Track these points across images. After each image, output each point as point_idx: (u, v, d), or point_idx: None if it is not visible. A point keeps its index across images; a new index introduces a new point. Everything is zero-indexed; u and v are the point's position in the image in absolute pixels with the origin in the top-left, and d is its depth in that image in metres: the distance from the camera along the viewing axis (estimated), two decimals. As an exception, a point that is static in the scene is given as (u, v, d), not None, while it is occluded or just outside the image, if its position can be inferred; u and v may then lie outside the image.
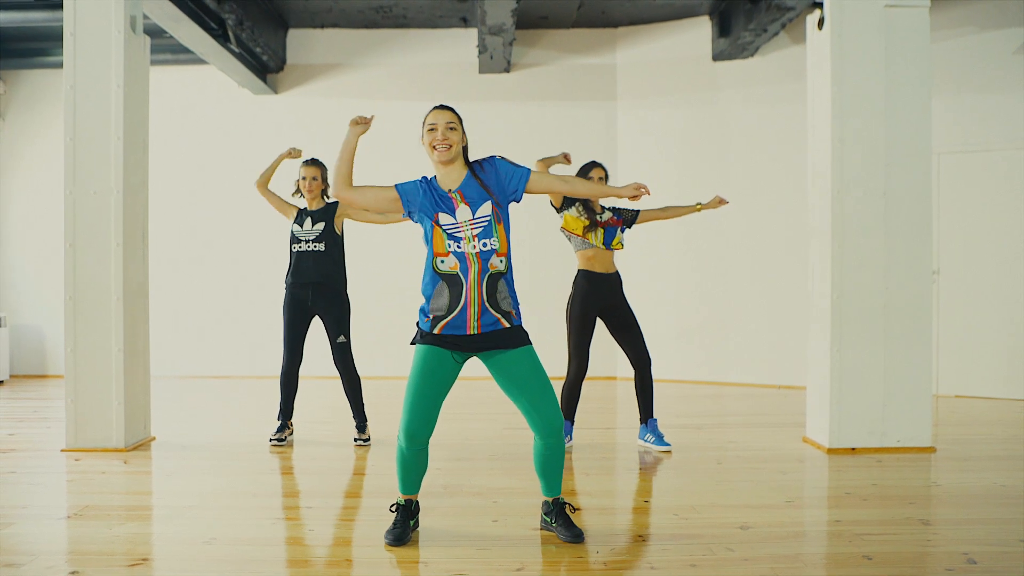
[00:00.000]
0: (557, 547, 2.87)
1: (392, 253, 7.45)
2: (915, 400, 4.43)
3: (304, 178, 4.65)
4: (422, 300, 2.94)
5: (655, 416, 4.75)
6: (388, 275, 7.45)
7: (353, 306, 4.83)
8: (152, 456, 4.40)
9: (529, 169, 2.93)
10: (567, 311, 4.49)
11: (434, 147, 2.86)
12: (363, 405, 4.71)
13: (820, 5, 4.59)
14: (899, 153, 4.43)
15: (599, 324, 4.54)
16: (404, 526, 2.93)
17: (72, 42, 4.48)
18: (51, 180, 7.60)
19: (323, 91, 7.80)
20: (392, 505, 3.01)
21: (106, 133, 4.49)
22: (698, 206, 4.43)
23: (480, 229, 2.81)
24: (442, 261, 2.82)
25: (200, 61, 7.33)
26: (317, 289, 4.59)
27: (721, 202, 4.40)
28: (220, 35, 6.35)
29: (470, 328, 2.83)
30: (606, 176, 4.47)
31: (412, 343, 2.93)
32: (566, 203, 4.46)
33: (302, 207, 4.74)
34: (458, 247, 2.80)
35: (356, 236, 4.94)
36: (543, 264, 7.40)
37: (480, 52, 7.12)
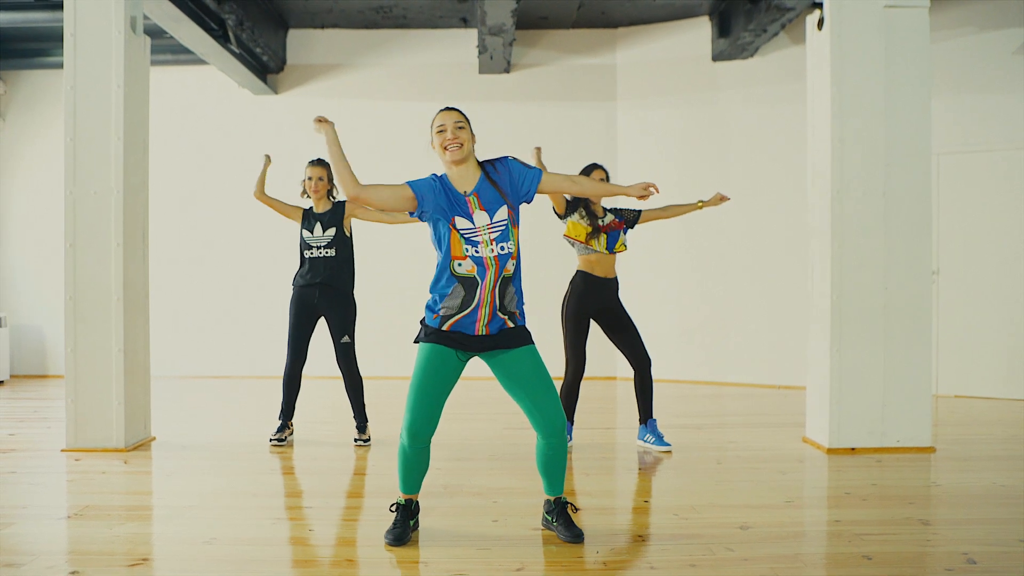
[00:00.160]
0: (557, 547, 2.87)
1: (393, 254, 7.45)
2: (915, 400, 4.43)
3: (310, 178, 4.64)
4: (423, 300, 2.95)
5: (654, 416, 4.76)
6: (389, 276, 7.45)
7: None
8: (152, 456, 4.41)
9: (540, 170, 2.95)
10: (562, 310, 4.49)
11: (445, 148, 2.86)
12: (364, 405, 4.71)
13: (820, 5, 4.59)
14: (899, 153, 4.44)
15: (594, 326, 4.55)
16: (404, 526, 2.94)
17: (72, 42, 4.48)
18: (51, 180, 7.61)
19: (323, 91, 7.81)
20: (392, 505, 3.02)
21: (106, 133, 4.49)
22: (700, 204, 4.42)
23: (498, 233, 2.83)
24: (459, 264, 2.81)
25: (200, 61, 7.33)
26: (324, 289, 4.59)
27: (723, 199, 4.39)
28: (220, 35, 6.35)
29: (478, 329, 2.85)
30: (607, 177, 4.48)
31: (416, 341, 2.94)
32: (569, 210, 4.45)
33: (307, 207, 4.72)
34: (476, 251, 2.80)
35: (357, 237, 4.94)
36: (543, 264, 7.40)
37: (480, 52, 7.12)
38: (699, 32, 7.43)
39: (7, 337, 7.51)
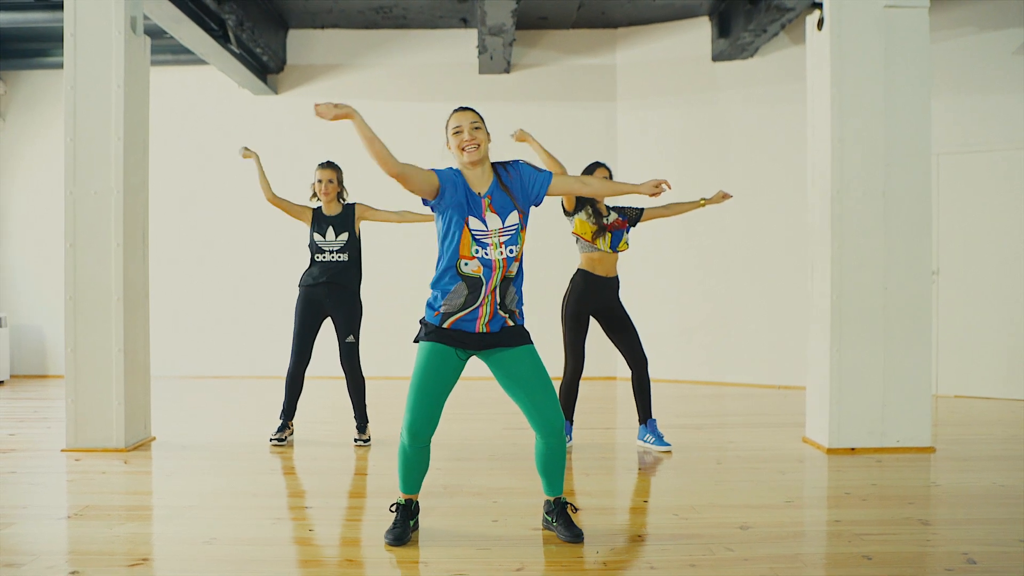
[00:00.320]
0: (557, 547, 2.88)
1: (394, 254, 7.46)
2: (915, 400, 4.43)
3: (320, 181, 4.63)
4: (424, 300, 2.95)
5: (654, 416, 4.76)
6: (391, 276, 7.46)
7: (355, 307, 4.83)
8: (152, 456, 4.41)
9: (550, 173, 2.95)
10: (562, 309, 4.49)
11: (463, 149, 2.86)
12: (365, 406, 4.71)
13: (820, 6, 4.59)
14: (899, 153, 4.44)
15: (594, 324, 4.55)
16: (404, 526, 2.94)
17: (72, 43, 4.48)
18: (51, 180, 7.61)
19: (323, 92, 7.80)
20: (392, 505, 3.02)
21: (106, 133, 4.49)
22: (702, 201, 4.41)
23: (508, 237, 2.84)
24: (466, 264, 2.82)
25: (200, 62, 7.33)
26: (332, 288, 4.59)
27: (724, 196, 4.39)
28: (220, 36, 6.35)
29: (479, 327, 2.85)
30: (610, 175, 4.47)
31: (416, 340, 2.94)
32: (577, 207, 4.45)
33: (316, 207, 4.70)
34: (484, 253, 2.81)
35: (362, 236, 4.94)
36: (543, 264, 7.40)
37: (480, 52, 7.12)
38: (699, 32, 7.43)
39: (7, 337, 7.51)
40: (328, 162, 4.70)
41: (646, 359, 4.52)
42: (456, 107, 2.96)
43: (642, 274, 7.32)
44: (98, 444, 4.46)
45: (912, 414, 4.42)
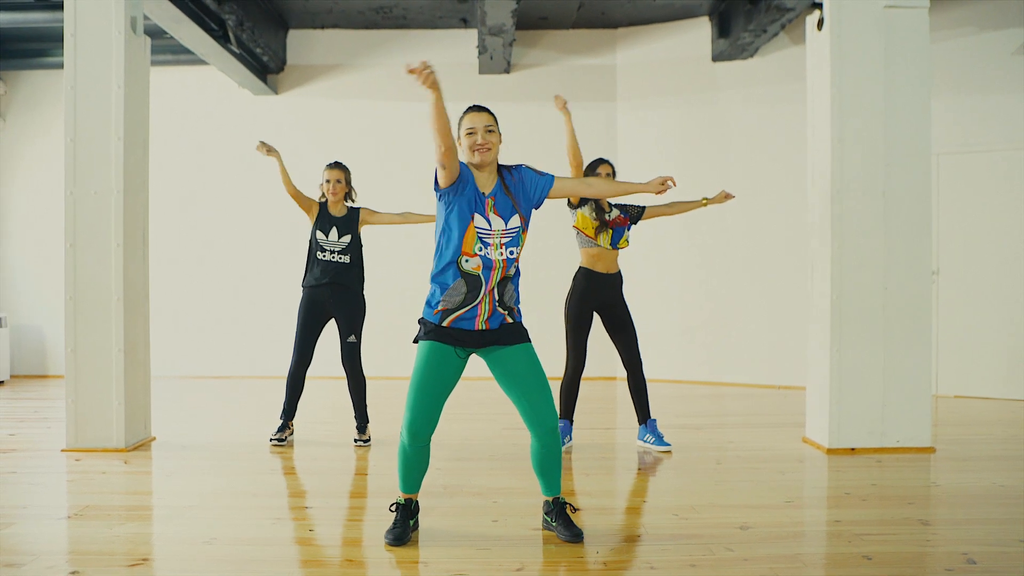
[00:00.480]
0: (557, 547, 2.88)
1: (394, 254, 7.46)
2: (914, 400, 4.43)
3: (328, 181, 4.63)
4: (422, 300, 2.95)
5: (653, 416, 4.76)
6: (390, 276, 7.45)
7: (356, 306, 4.83)
8: (152, 456, 4.41)
9: (552, 176, 2.96)
10: (565, 307, 4.49)
11: (474, 151, 2.86)
12: (366, 406, 4.71)
13: (820, 6, 4.59)
14: (899, 153, 4.44)
15: (597, 321, 4.55)
16: (404, 526, 2.94)
17: (72, 43, 4.48)
18: (51, 180, 7.61)
19: (323, 92, 7.81)
20: (392, 504, 3.02)
21: (106, 133, 4.49)
22: (704, 201, 4.41)
23: (509, 239, 2.86)
24: (467, 260, 2.83)
25: (200, 62, 7.33)
26: (335, 288, 4.60)
27: (727, 197, 4.39)
28: (220, 36, 6.35)
29: (478, 325, 2.87)
30: (613, 172, 4.46)
31: (415, 340, 2.94)
32: (582, 201, 4.44)
33: (321, 202, 4.69)
34: (486, 252, 2.82)
35: (364, 235, 4.95)
36: (543, 263, 7.40)
37: (480, 53, 7.12)
38: (699, 32, 7.43)
39: (7, 337, 7.51)
40: (336, 162, 4.70)
41: (641, 361, 4.51)
42: (471, 105, 2.94)
43: (644, 274, 7.32)
44: (98, 444, 4.46)
45: (912, 414, 4.42)
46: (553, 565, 2.72)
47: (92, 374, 4.47)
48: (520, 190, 2.92)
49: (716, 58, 7.29)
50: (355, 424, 4.75)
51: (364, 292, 4.73)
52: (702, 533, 3.01)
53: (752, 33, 6.55)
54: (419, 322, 2.94)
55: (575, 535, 2.91)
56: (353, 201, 4.74)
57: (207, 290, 7.84)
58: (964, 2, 6.44)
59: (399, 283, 7.44)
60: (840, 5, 4.42)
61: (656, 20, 7.53)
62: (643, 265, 7.33)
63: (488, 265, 2.82)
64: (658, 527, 3.12)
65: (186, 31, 6.03)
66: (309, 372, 4.75)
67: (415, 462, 2.94)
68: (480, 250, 2.82)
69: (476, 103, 2.97)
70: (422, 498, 3.39)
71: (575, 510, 3.13)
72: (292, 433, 4.74)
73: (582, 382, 4.66)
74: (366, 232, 4.83)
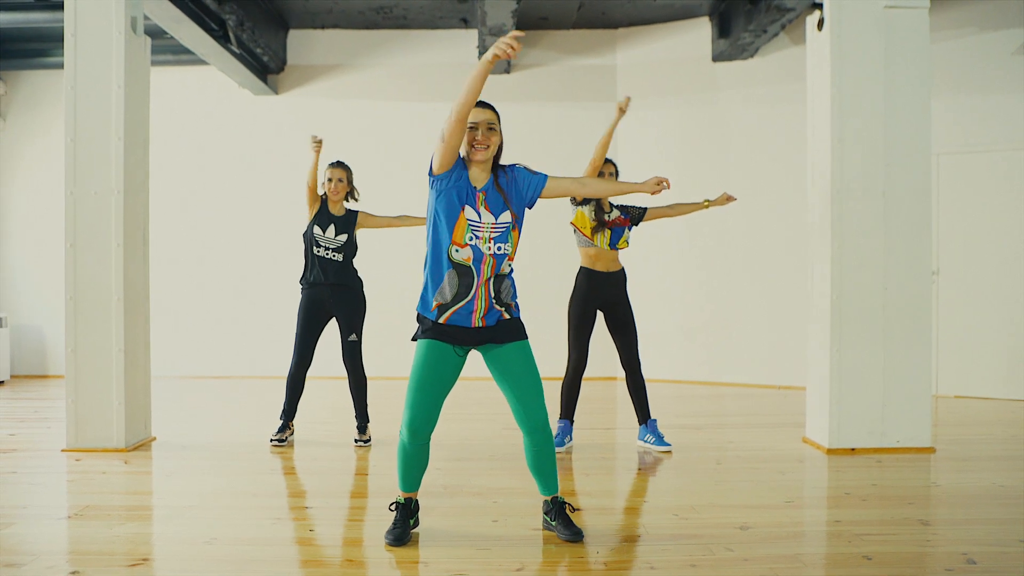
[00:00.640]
0: (556, 547, 2.88)
1: (393, 254, 7.45)
2: (914, 400, 4.43)
3: (330, 179, 4.63)
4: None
5: (654, 416, 4.75)
6: (389, 276, 7.45)
7: (355, 306, 4.83)
8: (152, 456, 4.41)
9: (546, 176, 2.95)
10: (568, 307, 4.49)
11: (474, 147, 2.86)
12: (367, 405, 4.72)
13: (820, 6, 4.59)
14: (899, 153, 4.44)
15: (599, 319, 4.54)
16: (404, 526, 2.94)
17: (73, 43, 4.48)
18: (52, 180, 7.61)
19: (324, 92, 7.81)
20: (392, 504, 3.02)
21: (107, 133, 4.49)
22: (706, 203, 4.41)
23: (499, 234, 2.86)
24: (457, 250, 2.83)
25: (201, 62, 7.33)
26: (336, 289, 4.60)
27: (729, 199, 4.40)
28: (221, 36, 6.35)
29: (475, 322, 2.87)
30: (616, 172, 4.46)
31: (413, 338, 2.94)
32: (585, 199, 4.44)
33: (322, 199, 4.69)
34: (476, 243, 2.83)
35: (360, 237, 4.94)
36: (544, 262, 7.40)
37: (480, 53, 7.12)
38: (699, 32, 7.43)
39: (7, 337, 7.51)
40: (338, 162, 4.70)
41: (639, 363, 4.51)
42: (478, 100, 2.89)
43: (645, 274, 7.32)
44: (98, 444, 4.46)
45: (912, 414, 4.42)
46: (553, 565, 2.72)
47: (92, 374, 4.47)
48: (513, 189, 2.91)
49: (716, 58, 7.29)
50: (355, 424, 4.76)
51: (364, 291, 4.73)
52: (702, 533, 3.01)
53: (752, 33, 6.55)
54: (417, 320, 2.95)
55: (575, 534, 2.91)
56: (356, 200, 4.75)
57: (207, 290, 7.84)
58: (964, 2, 6.44)
59: (397, 283, 7.43)
60: (840, 5, 4.42)
61: (656, 20, 7.53)
62: (644, 265, 7.33)
63: (479, 257, 2.82)
64: (658, 527, 3.12)
65: (186, 31, 6.03)
66: (309, 372, 4.75)
67: (415, 460, 2.95)
68: (470, 240, 2.82)
69: (482, 100, 2.95)
70: (422, 498, 3.39)
71: (574, 510, 3.13)
72: (292, 433, 4.74)
73: (583, 382, 4.66)
74: (362, 233, 4.82)
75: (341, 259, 4.62)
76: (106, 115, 4.49)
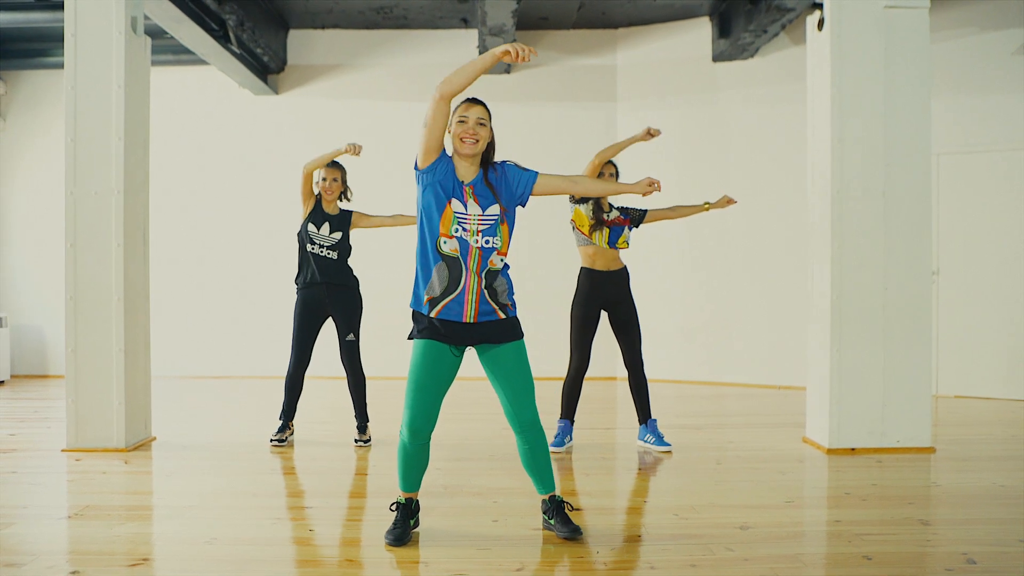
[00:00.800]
0: (557, 547, 2.88)
1: (391, 254, 7.45)
2: (915, 400, 4.43)
3: (324, 179, 4.63)
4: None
5: (654, 416, 4.75)
6: (387, 276, 7.45)
7: (353, 306, 4.83)
8: (152, 456, 4.41)
9: (536, 172, 2.95)
10: (571, 308, 4.49)
11: (462, 140, 2.86)
12: (366, 404, 4.71)
13: (820, 6, 4.59)
14: (899, 153, 4.44)
15: (603, 318, 4.54)
16: (404, 526, 2.94)
17: (73, 43, 4.48)
18: (52, 180, 7.61)
19: (324, 92, 7.81)
20: (392, 504, 3.02)
21: (107, 133, 4.49)
22: (706, 205, 4.43)
23: (486, 227, 2.85)
24: (445, 242, 2.83)
25: (201, 62, 7.33)
26: (332, 288, 4.60)
27: (729, 202, 4.41)
28: (221, 36, 6.35)
29: (467, 316, 2.85)
30: (616, 173, 4.46)
31: (409, 338, 2.94)
32: (584, 197, 4.44)
33: (318, 201, 4.69)
34: (463, 235, 2.83)
35: (356, 237, 4.95)
36: (544, 262, 7.41)
37: (480, 53, 7.12)
38: (699, 32, 7.43)
39: (7, 337, 7.51)
40: (333, 161, 4.70)
41: (642, 362, 4.51)
42: (469, 97, 2.95)
43: (645, 274, 7.31)
44: (98, 444, 4.46)
45: (912, 414, 4.42)
46: (553, 565, 2.72)
47: (92, 374, 4.47)
48: (503, 184, 2.91)
49: (716, 58, 7.29)
50: (355, 424, 4.76)
51: (360, 290, 4.73)
52: (702, 533, 3.01)
53: (752, 33, 6.55)
54: (412, 317, 2.94)
55: (573, 532, 2.91)
56: (348, 200, 4.75)
57: (207, 290, 7.84)
58: (964, 2, 6.44)
59: (394, 282, 7.42)
60: (840, 5, 4.43)
61: (656, 20, 7.53)
62: (644, 266, 7.32)
63: (465, 249, 2.82)
64: (658, 527, 3.12)
65: (186, 31, 6.03)
66: (308, 372, 4.75)
67: (415, 460, 2.95)
68: (456, 231, 2.82)
69: (475, 96, 2.97)
70: (422, 498, 3.39)
71: (572, 508, 3.13)
72: (292, 433, 4.74)
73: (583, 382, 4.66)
74: (357, 233, 4.82)
75: (336, 257, 4.61)
76: (106, 115, 4.49)
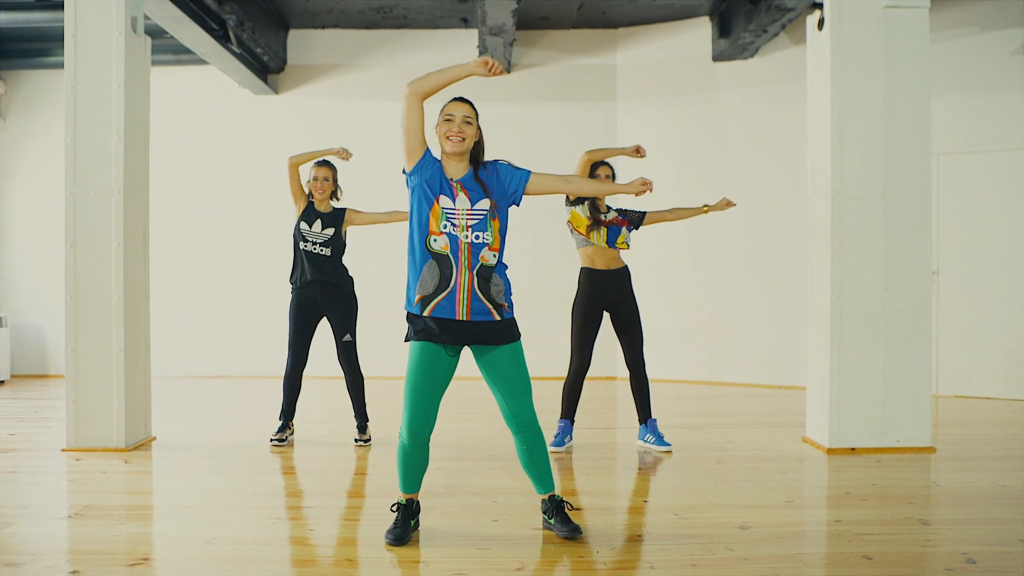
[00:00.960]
0: (557, 546, 2.88)
1: (388, 254, 7.45)
2: (915, 400, 4.43)
3: (315, 178, 4.64)
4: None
5: (654, 416, 4.75)
6: (385, 276, 7.44)
7: (351, 306, 4.83)
8: (152, 456, 4.41)
9: (529, 171, 2.95)
10: (572, 308, 4.49)
11: (448, 138, 2.87)
12: (365, 404, 4.71)
13: (820, 6, 4.59)
14: (899, 153, 4.44)
15: (605, 318, 4.54)
16: (405, 526, 2.94)
17: (73, 43, 4.48)
18: (52, 180, 7.61)
19: (324, 91, 7.81)
20: (393, 505, 3.02)
21: (107, 133, 4.50)
22: (705, 208, 4.44)
23: (476, 221, 2.84)
24: (435, 240, 2.83)
25: (201, 61, 7.33)
26: (326, 288, 4.60)
27: (728, 204, 4.41)
28: (221, 36, 6.35)
29: (459, 313, 2.84)
30: (612, 175, 4.46)
31: (406, 339, 2.94)
32: (579, 198, 4.45)
33: (310, 200, 4.70)
34: (452, 230, 2.82)
35: (352, 236, 4.95)
36: (544, 262, 7.41)
37: (480, 53, 7.12)
38: (699, 32, 7.43)
39: (7, 337, 7.51)
40: (324, 160, 4.71)
41: (644, 362, 4.52)
42: (456, 96, 2.96)
43: (645, 275, 7.30)
44: (98, 444, 4.46)
45: (912, 414, 4.43)
46: (553, 565, 2.72)
47: (92, 374, 4.47)
48: (494, 182, 2.91)
49: (716, 58, 7.29)
50: (355, 424, 4.76)
51: (355, 290, 4.72)
52: (702, 533, 3.01)
53: (752, 33, 6.55)
54: (407, 319, 2.94)
55: (573, 531, 2.91)
56: (338, 199, 4.75)
57: (207, 290, 7.84)
58: (964, 2, 6.44)
59: (391, 282, 7.41)
60: (840, 5, 4.43)
61: (656, 20, 7.53)
62: (644, 266, 7.31)
63: (455, 245, 2.82)
64: (658, 527, 3.12)
65: (186, 31, 6.03)
66: (308, 372, 4.75)
67: (415, 462, 2.95)
68: (445, 228, 2.82)
69: (462, 95, 2.96)
70: (422, 498, 3.39)
71: (572, 508, 3.13)
72: (292, 433, 4.74)
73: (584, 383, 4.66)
74: (352, 231, 4.82)
75: (329, 254, 4.60)
76: (106, 115, 4.49)
